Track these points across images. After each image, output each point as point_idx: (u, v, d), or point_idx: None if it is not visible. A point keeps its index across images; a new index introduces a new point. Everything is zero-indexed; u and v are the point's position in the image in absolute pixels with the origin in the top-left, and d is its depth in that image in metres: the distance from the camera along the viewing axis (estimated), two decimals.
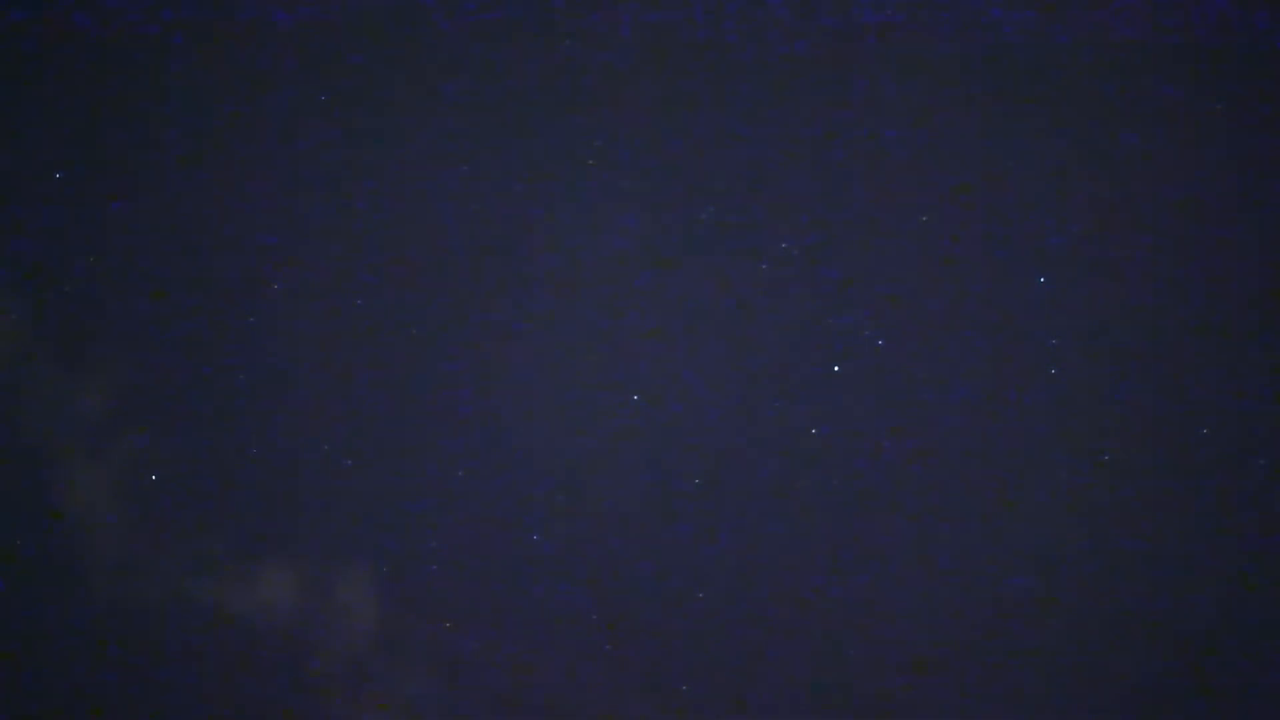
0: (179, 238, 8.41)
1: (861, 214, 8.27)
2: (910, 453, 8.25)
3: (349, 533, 8.36)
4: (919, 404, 8.25)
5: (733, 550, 8.32)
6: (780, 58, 8.29)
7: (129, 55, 8.40)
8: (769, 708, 8.29)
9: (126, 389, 8.36)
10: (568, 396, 8.34)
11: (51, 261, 8.40)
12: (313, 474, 8.36)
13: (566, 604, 8.33)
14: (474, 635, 8.36)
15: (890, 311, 8.27)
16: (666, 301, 8.34)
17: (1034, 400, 8.20)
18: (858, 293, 8.28)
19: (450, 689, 8.34)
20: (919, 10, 8.25)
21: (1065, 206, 8.19)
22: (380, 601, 8.35)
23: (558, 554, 8.33)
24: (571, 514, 8.34)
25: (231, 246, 8.40)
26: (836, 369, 8.29)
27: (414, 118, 8.41)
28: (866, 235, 8.27)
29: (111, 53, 8.40)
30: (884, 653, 8.25)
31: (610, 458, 8.32)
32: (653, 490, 8.33)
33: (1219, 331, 8.10)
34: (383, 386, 8.39)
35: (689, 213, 8.34)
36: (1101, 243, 8.17)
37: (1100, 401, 8.17)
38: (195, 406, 8.38)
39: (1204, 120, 8.10)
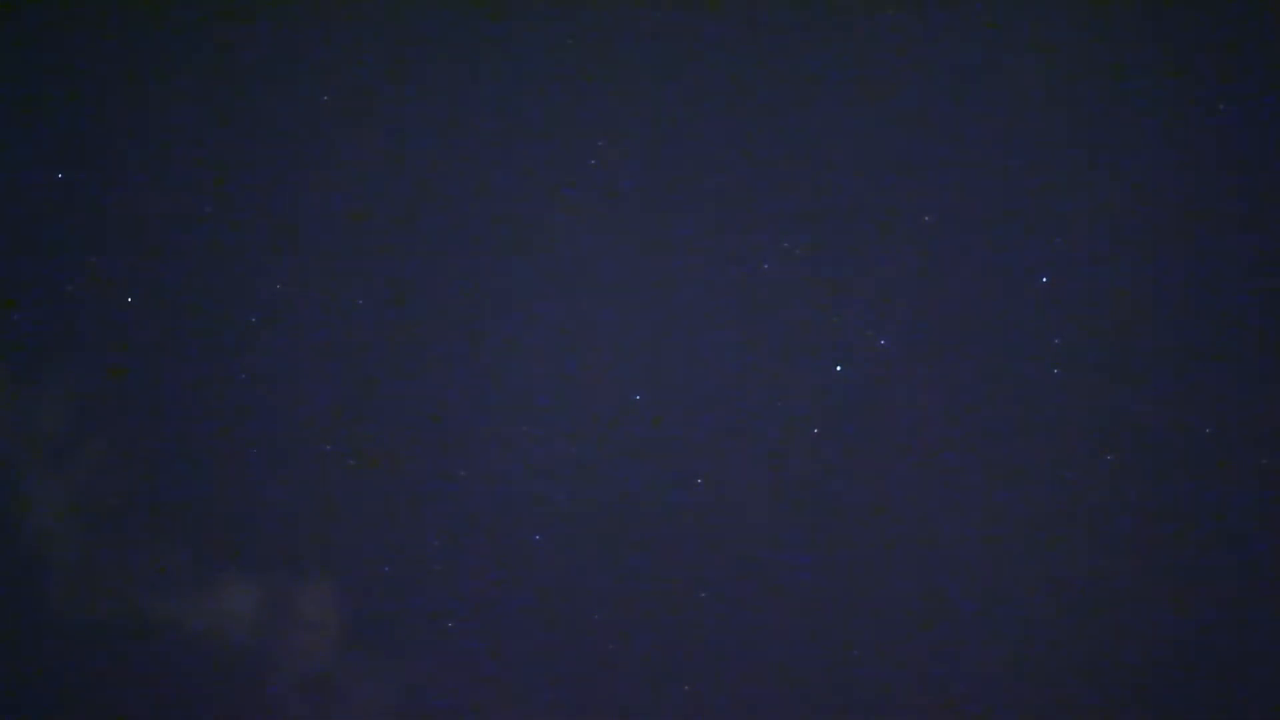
0: (177, 235, 8.45)
1: (863, 214, 8.26)
2: (911, 453, 8.24)
3: (350, 533, 8.39)
4: (920, 404, 8.24)
5: (733, 550, 8.32)
6: (782, 58, 8.27)
7: (120, 49, 8.44)
8: (771, 708, 8.29)
9: (124, 389, 8.41)
10: (568, 396, 8.35)
11: (42, 260, 8.44)
12: (313, 474, 8.38)
13: (567, 604, 8.35)
14: (475, 634, 8.38)
15: (891, 311, 8.25)
16: (667, 301, 8.34)
17: (1036, 400, 8.17)
18: (858, 293, 8.27)
19: (450, 688, 8.36)
20: (922, 11, 8.23)
21: (1067, 206, 8.16)
22: (381, 601, 8.38)
23: (558, 554, 8.35)
24: (571, 514, 8.35)
25: (230, 246, 8.43)
26: (837, 369, 8.28)
27: (415, 116, 8.42)
28: (867, 235, 8.25)
29: (104, 47, 8.44)
30: (886, 653, 8.25)
31: (610, 458, 8.33)
32: (653, 490, 8.33)
33: (1221, 331, 8.06)
34: (383, 386, 8.40)
35: (689, 212, 8.33)
36: (1103, 243, 8.14)
37: (1103, 401, 8.15)
38: (195, 406, 8.41)
39: (1205, 120, 8.06)
